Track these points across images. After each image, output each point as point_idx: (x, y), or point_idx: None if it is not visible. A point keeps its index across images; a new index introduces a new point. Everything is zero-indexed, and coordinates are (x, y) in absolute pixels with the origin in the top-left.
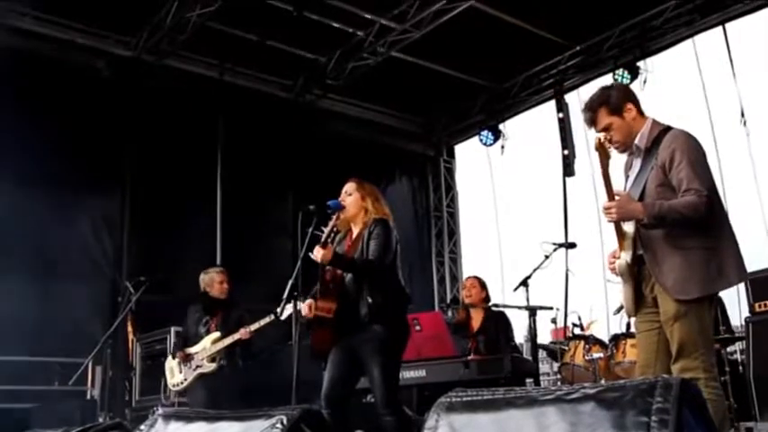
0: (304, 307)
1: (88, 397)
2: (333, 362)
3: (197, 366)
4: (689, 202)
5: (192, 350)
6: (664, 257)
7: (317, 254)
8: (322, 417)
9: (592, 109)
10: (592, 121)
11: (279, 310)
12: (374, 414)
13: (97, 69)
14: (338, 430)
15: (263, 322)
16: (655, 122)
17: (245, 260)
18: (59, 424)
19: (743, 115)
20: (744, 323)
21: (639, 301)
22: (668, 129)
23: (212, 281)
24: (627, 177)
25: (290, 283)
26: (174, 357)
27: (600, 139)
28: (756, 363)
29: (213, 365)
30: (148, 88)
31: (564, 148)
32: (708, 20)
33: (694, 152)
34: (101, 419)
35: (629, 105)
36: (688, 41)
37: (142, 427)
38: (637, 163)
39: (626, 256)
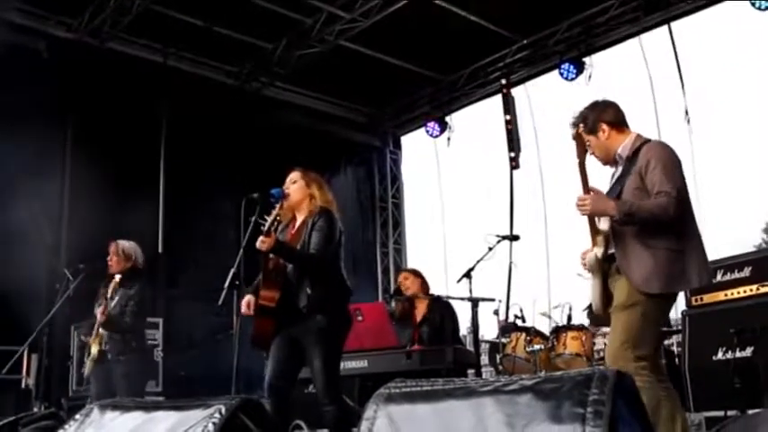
0: (243, 304)
1: (23, 386)
2: (275, 352)
3: (89, 352)
4: (659, 202)
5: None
6: (633, 254)
7: (260, 243)
8: (261, 406)
9: (575, 126)
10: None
11: (221, 299)
12: (315, 404)
13: (37, 51)
14: (280, 420)
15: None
16: (638, 136)
17: (187, 247)
18: None
19: (687, 113)
20: (681, 316)
21: (608, 297)
22: (648, 141)
23: (110, 253)
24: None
25: (232, 271)
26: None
27: (578, 129)
28: (692, 354)
29: (95, 351)
30: (90, 72)
31: (510, 150)
32: (652, 18)
33: (668, 159)
34: (35, 409)
35: (603, 126)
36: (635, 39)
37: (77, 416)
38: (618, 170)
39: (597, 251)
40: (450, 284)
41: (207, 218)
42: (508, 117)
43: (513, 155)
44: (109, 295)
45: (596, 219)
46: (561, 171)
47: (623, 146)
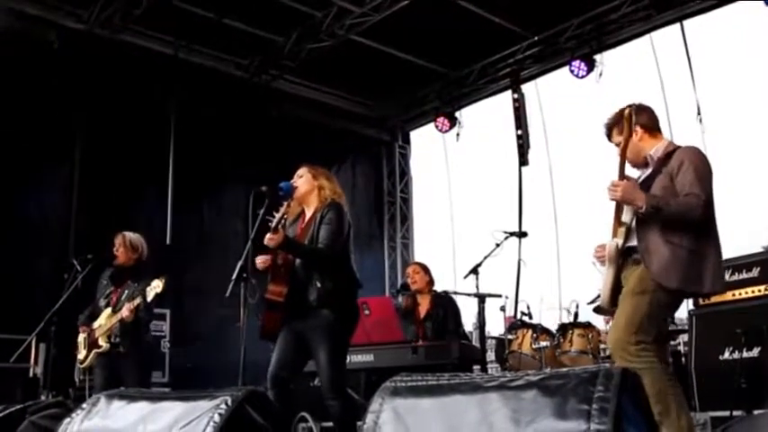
0: (258, 261)
1: (31, 375)
2: (280, 344)
3: (94, 344)
4: (688, 201)
5: (94, 325)
6: (656, 248)
7: (269, 240)
8: (267, 398)
9: (609, 127)
10: (608, 136)
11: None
12: (320, 398)
13: (48, 42)
14: (282, 412)
15: (137, 301)
16: (671, 142)
17: (195, 240)
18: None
19: (699, 112)
20: (688, 316)
21: (617, 292)
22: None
23: (117, 245)
24: None
25: (240, 264)
26: (80, 331)
27: (630, 109)
28: (698, 354)
29: (105, 345)
30: (101, 63)
31: (518, 128)
32: (664, 16)
33: (702, 164)
34: (43, 398)
35: (636, 128)
36: (646, 37)
37: (84, 405)
38: (647, 171)
39: (617, 241)
40: (457, 280)
41: (215, 210)
42: (516, 96)
43: (519, 132)
44: (122, 290)
45: (623, 207)
46: (571, 168)
47: (656, 148)
